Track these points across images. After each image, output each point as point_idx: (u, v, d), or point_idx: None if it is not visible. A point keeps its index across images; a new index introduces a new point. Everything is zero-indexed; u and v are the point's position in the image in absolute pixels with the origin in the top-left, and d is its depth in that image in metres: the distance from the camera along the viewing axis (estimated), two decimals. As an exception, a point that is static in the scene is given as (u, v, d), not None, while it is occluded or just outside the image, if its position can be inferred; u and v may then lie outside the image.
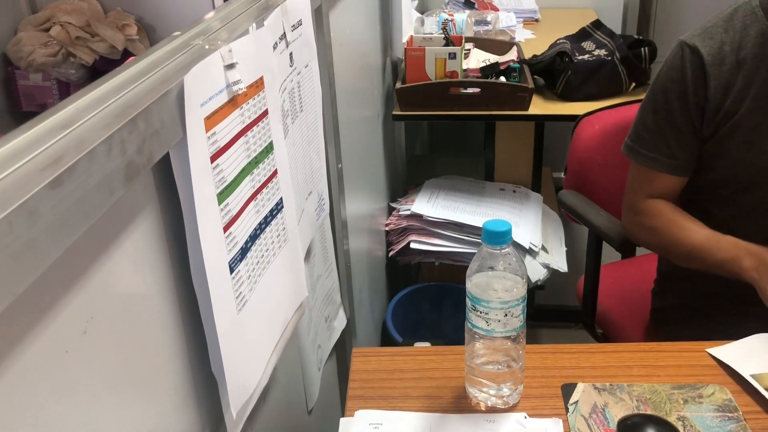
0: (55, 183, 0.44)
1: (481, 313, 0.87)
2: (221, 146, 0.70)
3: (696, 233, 1.22)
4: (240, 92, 0.72)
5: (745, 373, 0.96)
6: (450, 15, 2.38)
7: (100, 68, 2.30)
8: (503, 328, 0.88)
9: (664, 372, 0.99)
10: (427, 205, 2.07)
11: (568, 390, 0.95)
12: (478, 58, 2.18)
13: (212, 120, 0.67)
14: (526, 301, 0.89)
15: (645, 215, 1.29)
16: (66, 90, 2.28)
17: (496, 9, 2.74)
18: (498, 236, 0.86)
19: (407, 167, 2.69)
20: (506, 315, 0.87)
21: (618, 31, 2.95)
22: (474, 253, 1.95)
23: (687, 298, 1.37)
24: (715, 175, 1.23)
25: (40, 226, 0.42)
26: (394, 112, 2.03)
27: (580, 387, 0.96)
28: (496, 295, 0.86)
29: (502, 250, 0.87)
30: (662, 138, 1.23)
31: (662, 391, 0.95)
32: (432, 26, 2.44)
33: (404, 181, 2.60)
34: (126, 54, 2.35)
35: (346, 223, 1.40)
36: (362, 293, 1.72)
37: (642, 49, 2.01)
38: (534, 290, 2.20)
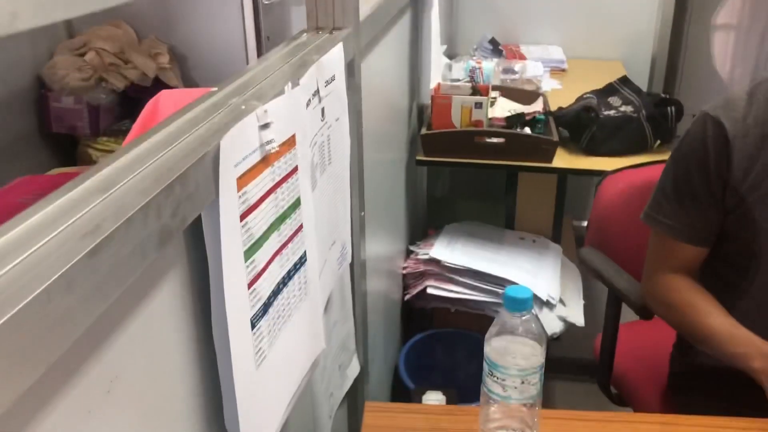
0: (93, 252, 0.45)
1: (497, 378, 0.87)
2: (251, 204, 0.71)
3: (711, 319, 1.20)
4: (273, 151, 0.74)
5: None
6: (478, 63, 2.41)
7: (130, 94, 2.34)
8: (519, 395, 0.87)
9: (680, 447, 0.97)
10: (445, 250, 2.07)
11: (581, 460, 0.94)
12: (503, 107, 2.19)
13: (244, 179, 0.69)
14: (543, 369, 0.88)
15: (662, 289, 1.28)
16: (95, 114, 2.32)
17: (523, 58, 2.77)
18: (519, 303, 0.86)
19: (428, 209, 2.70)
20: (523, 382, 0.86)
21: (645, 83, 2.97)
22: (491, 302, 1.92)
23: (706, 366, 1.35)
24: (738, 246, 1.22)
25: (77, 296, 0.43)
26: (418, 157, 2.04)
27: (594, 457, 0.95)
28: (513, 361, 0.86)
29: (523, 317, 0.87)
30: (681, 207, 1.23)
31: (678, 467, 0.93)
32: (459, 72, 2.47)
33: (424, 223, 2.60)
34: (157, 81, 2.39)
35: (365, 266, 1.41)
36: (377, 338, 1.71)
37: (668, 108, 2.01)
38: (549, 342, 2.18)
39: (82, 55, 2.30)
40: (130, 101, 2.38)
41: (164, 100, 1.18)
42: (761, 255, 1.21)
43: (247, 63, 2.31)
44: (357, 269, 1.33)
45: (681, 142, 1.24)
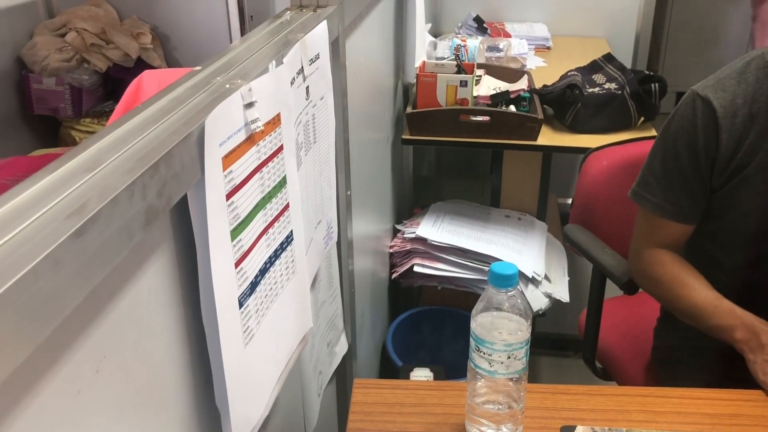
0: (78, 232, 0.45)
1: (484, 354, 0.88)
2: (237, 184, 0.71)
3: (696, 293, 1.22)
4: (258, 130, 0.73)
5: None
6: (463, 41, 2.40)
7: (113, 75, 2.32)
8: (506, 370, 0.88)
9: (663, 418, 0.99)
10: (432, 228, 2.08)
11: (567, 432, 0.96)
12: (488, 85, 2.19)
13: (230, 158, 0.68)
14: (529, 344, 0.89)
15: (649, 264, 1.29)
16: (78, 95, 2.30)
17: (508, 35, 2.76)
18: (505, 279, 0.86)
19: (414, 188, 2.70)
20: (509, 357, 0.88)
21: (629, 60, 2.97)
22: (477, 279, 1.93)
23: (689, 339, 1.37)
24: (725, 224, 1.24)
25: (64, 276, 0.43)
26: (404, 136, 2.04)
27: (580, 430, 0.96)
28: (500, 337, 0.87)
29: (508, 293, 0.87)
30: (669, 185, 1.24)
31: (661, 438, 0.95)
32: (444, 50, 2.46)
33: (410, 202, 2.61)
34: (140, 62, 2.37)
35: (352, 245, 1.41)
36: (364, 316, 1.72)
37: (652, 84, 2.02)
38: (535, 318, 2.20)
39: (63, 35, 2.28)
40: (113, 82, 2.36)
41: (147, 80, 1.18)
42: (746, 232, 1.23)
43: (231, 42, 2.29)
44: (344, 248, 1.33)
45: (670, 120, 1.24)
